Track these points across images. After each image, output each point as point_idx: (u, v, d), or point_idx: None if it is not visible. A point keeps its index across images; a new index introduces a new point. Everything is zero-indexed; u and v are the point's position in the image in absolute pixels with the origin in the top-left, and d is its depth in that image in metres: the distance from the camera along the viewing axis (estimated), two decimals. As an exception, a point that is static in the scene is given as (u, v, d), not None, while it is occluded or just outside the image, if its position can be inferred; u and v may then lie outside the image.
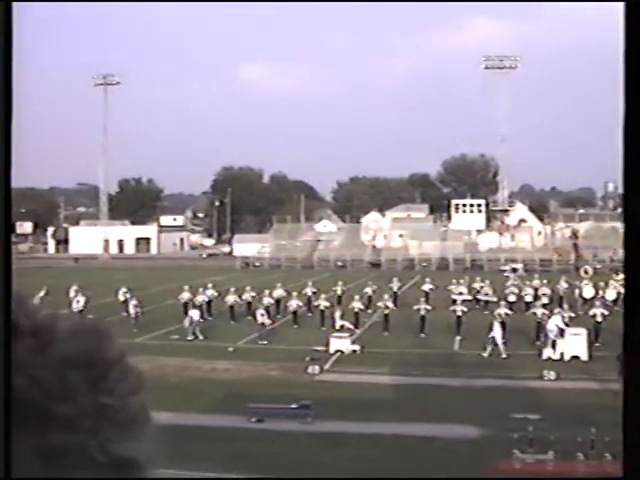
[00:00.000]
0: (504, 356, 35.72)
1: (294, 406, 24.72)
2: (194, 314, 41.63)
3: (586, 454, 19.52)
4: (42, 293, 45.40)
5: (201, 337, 40.37)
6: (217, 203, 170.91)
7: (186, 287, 47.67)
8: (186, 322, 41.34)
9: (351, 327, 39.48)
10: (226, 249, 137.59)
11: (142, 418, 1.15)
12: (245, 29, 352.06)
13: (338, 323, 39.51)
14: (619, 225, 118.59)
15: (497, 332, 36.93)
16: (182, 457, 19.33)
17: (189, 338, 40.16)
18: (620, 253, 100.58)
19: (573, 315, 40.82)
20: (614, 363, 28.29)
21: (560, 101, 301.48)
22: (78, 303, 45.63)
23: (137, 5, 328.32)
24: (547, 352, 34.93)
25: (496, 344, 36.25)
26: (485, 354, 35.95)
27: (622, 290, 45.82)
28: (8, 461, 1.14)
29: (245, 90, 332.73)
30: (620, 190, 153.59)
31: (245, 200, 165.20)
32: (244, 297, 48.00)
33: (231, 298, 47.07)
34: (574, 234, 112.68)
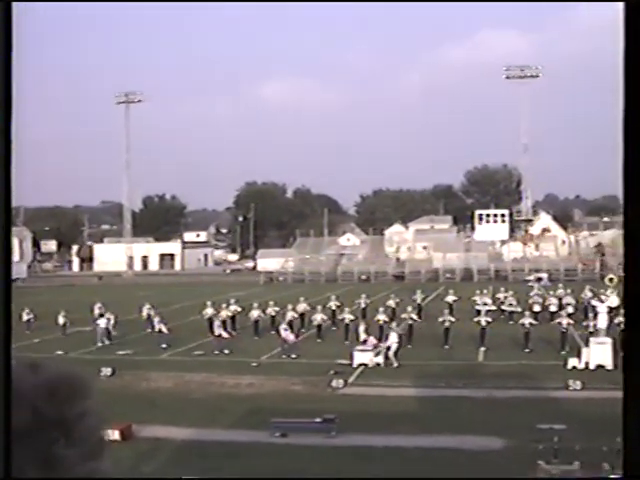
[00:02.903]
0: (395, 365, 35.81)
1: (318, 420, 24.65)
2: (101, 322, 44.94)
3: (612, 464, 19.34)
4: (61, 321, 46.20)
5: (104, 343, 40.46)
6: (240, 218, 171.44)
7: (209, 303, 47.66)
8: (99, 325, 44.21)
9: (375, 342, 39.23)
10: (250, 264, 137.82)
11: None
12: (268, 46, 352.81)
13: (362, 337, 39.36)
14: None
15: (392, 340, 37.09)
16: (207, 473, 19.33)
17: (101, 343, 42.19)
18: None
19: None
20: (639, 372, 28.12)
21: (582, 108, 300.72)
22: (102, 320, 45.78)
23: (159, 24, 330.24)
24: (572, 362, 34.71)
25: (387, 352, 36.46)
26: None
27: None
28: (8, 461, 1.13)
29: (268, 106, 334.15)
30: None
31: (268, 215, 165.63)
32: (268, 312, 47.98)
33: (255, 313, 47.04)
34: (599, 244, 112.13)
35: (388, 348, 37.31)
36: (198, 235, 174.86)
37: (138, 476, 19.37)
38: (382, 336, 41.83)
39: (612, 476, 17.98)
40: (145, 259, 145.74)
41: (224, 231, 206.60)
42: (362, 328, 40.89)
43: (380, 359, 36.55)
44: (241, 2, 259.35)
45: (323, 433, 24.09)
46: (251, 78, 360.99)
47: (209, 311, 46.78)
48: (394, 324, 40.95)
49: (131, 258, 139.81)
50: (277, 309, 48.21)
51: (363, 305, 50.43)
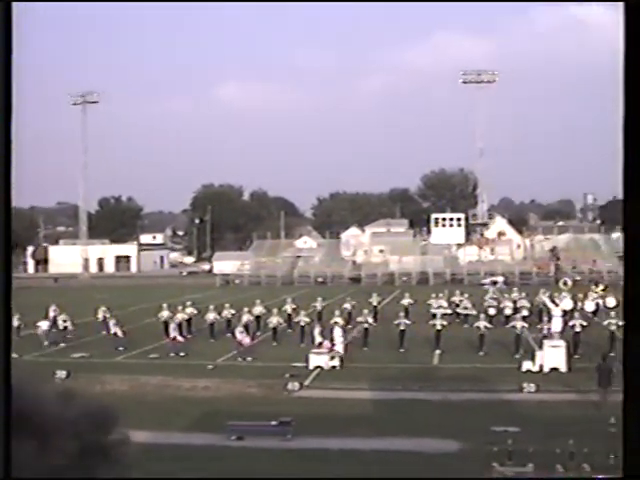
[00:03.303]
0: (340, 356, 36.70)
1: (274, 423, 24.64)
2: (43, 325, 44.93)
3: (565, 465, 19.53)
4: (15, 323, 45.77)
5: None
6: (197, 221, 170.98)
7: (165, 305, 47.46)
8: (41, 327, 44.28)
9: (330, 345, 39.19)
10: (206, 267, 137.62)
11: None
12: (226, 47, 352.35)
13: (318, 340, 39.38)
14: (598, 237, 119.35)
15: (336, 334, 38.26)
16: (163, 476, 19.28)
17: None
18: (599, 264, 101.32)
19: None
20: (593, 374, 28.45)
21: (538, 114, 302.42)
22: (43, 323, 45.64)
23: (116, 24, 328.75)
24: (527, 364, 34.96)
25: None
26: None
27: (600, 302, 46.13)
28: (8, 461, 1.16)
29: (225, 108, 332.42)
30: (599, 202, 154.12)
31: (225, 217, 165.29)
32: (224, 314, 47.85)
33: (211, 316, 46.95)
34: (554, 248, 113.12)
35: (331, 339, 37.75)
36: (154, 237, 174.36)
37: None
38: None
39: (612, 476, 18.17)
40: (101, 261, 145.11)
41: (180, 233, 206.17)
42: (318, 331, 40.88)
43: (336, 362, 36.61)
44: (201, 2, 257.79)
45: (279, 436, 24.08)
46: (209, 79, 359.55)
47: (165, 314, 46.56)
48: (339, 320, 41.56)
49: (87, 260, 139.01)
50: (233, 312, 48.06)
51: (319, 308, 50.45)
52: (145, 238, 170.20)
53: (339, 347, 37.65)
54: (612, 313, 40.30)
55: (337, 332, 38.61)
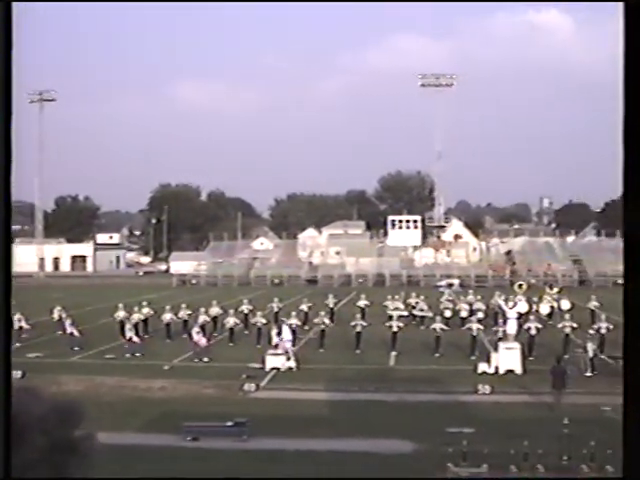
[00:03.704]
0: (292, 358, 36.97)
1: (229, 424, 24.61)
2: None
3: (519, 466, 19.72)
4: None
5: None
6: (154, 221, 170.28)
7: (121, 305, 47.23)
8: None
9: (287, 346, 39.12)
10: (163, 267, 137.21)
11: None
12: (181, 46, 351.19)
13: (274, 341, 39.36)
14: (552, 240, 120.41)
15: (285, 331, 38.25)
16: (117, 477, 19.19)
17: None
18: (554, 268, 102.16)
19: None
20: (547, 376, 28.70)
21: (496, 118, 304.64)
22: (12, 322, 45.13)
23: (71, 24, 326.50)
24: (482, 366, 35.20)
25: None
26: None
27: (555, 304, 46.50)
28: (8, 461, 1.18)
29: (184, 108, 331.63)
30: (554, 206, 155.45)
31: (182, 217, 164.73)
32: (180, 315, 47.69)
33: (167, 316, 46.78)
34: (509, 251, 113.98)
35: (278, 333, 37.83)
36: (111, 237, 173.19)
37: None
38: (295, 340, 42.01)
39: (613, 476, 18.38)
40: (57, 260, 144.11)
41: (137, 233, 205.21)
42: (274, 332, 40.88)
43: (292, 363, 36.64)
44: (154, 2, 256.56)
45: (235, 437, 24.07)
46: (166, 78, 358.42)
47: (121, 314, 46.33)
48: (293, 320, 41.83)
49: (42, 259, 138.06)
50: (189, 312, 47.91)
51: (276, 309, 50.45)
52: (102, 238, 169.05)
53: (287, 344, 37.53)
54: (566, 316, 40.67)
55: (285, 330, 38.56)
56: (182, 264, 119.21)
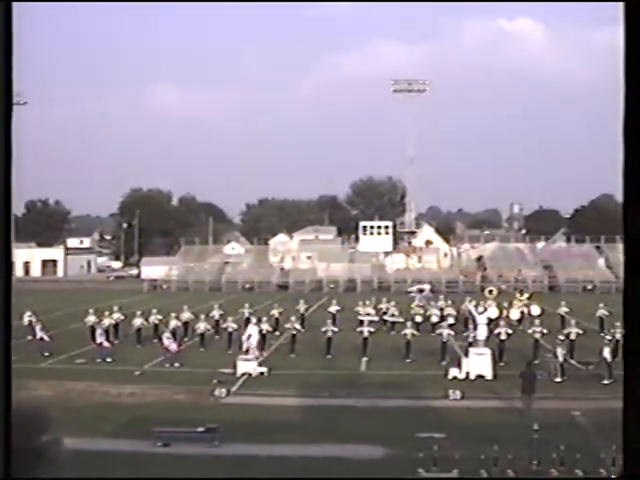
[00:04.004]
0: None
1: (200, 429, 24.57)
2: None
3: (489, 471, 19.80)
4: None
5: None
6: (125, 225, 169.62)
7: (92, 310, 47.00)
8: None
9: (258, 352, 39.02)
10: (134, 272, 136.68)
11: None
12: (154, 49, 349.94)
13: (245, 346, 39.31)
14: (523, 246, 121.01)
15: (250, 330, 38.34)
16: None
17: None
18: (524, 273, 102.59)
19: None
20: (517, 381, 28.82)
21: (467, 124, 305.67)
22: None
23: (43, 25, 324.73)
24: (453, 372, 35.30)
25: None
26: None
27: (525, 310, 46.72)
28: (8, 461, 1.19)
29: (154, 112, 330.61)
30: (524, 212, 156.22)
31: (153, 222, 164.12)
32: (151, 320, 47.58)
33: (138, 321, 46.59)
34: (480, 257, 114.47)
35: (249, 337, 37.79)
36: (82, 241, 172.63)
37: None
38: (265, 346, 42.10)
39: (613, 476, 18.48)
40: (27, 265, 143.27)
41: (108, 237, 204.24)
42: (245, 337, 40.84)
43: (264, 368, 36.62)
44: (131, 2, 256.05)
45: (206, 442, 24.01)
46: (139, 82, 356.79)
47: (91, 319, 46.09)
48: (265, 326, 41.96)
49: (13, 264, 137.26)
50: (160, 317, 47.79)
51: (247, 314, 50.40)
52: (72, 242, 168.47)
53: (251, 342, 37.40)
54: (536, 321, 40.86)
55: (252, 330, 38.43)
56: (153, 269, 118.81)
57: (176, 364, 38.83)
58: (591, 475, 19.79)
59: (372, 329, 43.31)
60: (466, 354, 36.47)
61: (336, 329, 43.28)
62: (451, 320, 47.05)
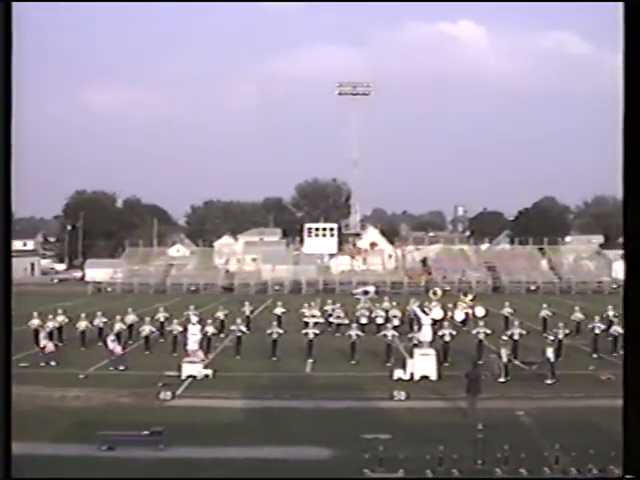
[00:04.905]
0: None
1: (146, 433, 24.45)
2: None
3: (434, 471, 19.94)
4: None
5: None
6: (69, 227, 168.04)
7: (35, 313, 46.57)
8: None
9: (203, 354, 38.80)
10: (78, 274, 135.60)
11: None
12: (97, 50, 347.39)
13: (189, 348, 39.16)
14: (467, 248, 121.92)
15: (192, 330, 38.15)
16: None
17: None
18: (468, 275, 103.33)
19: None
20: (462, 382, 29.02)
21: (411, 126, 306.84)
22: None
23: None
24: (398, 373, 35.46)
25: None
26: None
27: (469, 311, 47.02)
28: (8, 461, 1.19)
29: (97, 113, 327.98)
30: (468, 214, 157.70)
31: (98, 224, 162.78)
32: (95, 323, 47.26)
33: (82, 324, 46.24)
34: (425, 259, 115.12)
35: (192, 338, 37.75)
36: (25, 244, 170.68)
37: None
38: (210, 348, 42.02)
39: (613, 476, 18.61)
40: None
41: (52, 240, 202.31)
42: (189, 339, 40.71)
43: (209, 371, 36.53)
44: (70, 2, 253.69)
45: (151, 446, 23.90)
46: (82, 82, 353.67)
47: (35, 322, 45.66)
48: (194, 318, 41.98)
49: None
50: (105, 320, 47.52)
51: (192, 317, 50.26)
52: (16, 244, 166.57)
53: (193, 346, 37.23)
54: (480, 322, 41.15)
55: (192, 329, 38.27)
56: (98, 271, 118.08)
57: (121, 367, 38.58)
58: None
59: (317, 331, 43.43)
60: (411, 355, 36.61)
61: (281, 331, 43.32)
62: (396, 321, 47.38)
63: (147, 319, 46.46)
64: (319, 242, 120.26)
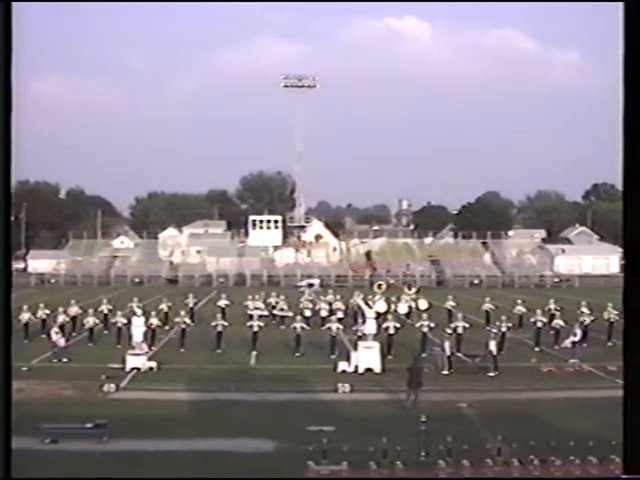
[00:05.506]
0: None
1: (89, 426, 24.32)
2: None
3: (378, 463, 20.07)
4: None
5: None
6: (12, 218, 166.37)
7: (-24, 305, 46.04)
8: None
9: (147, 347, 38.64)
10: (20, 265, 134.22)
11: None
12: (42, 40, 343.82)
13: (134, 341, 39.03)
14: (411, 241, 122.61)
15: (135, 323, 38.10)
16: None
17: None
18: (412, 268, 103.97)
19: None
20: (404, 374, 29.20)
21: (356, 120, 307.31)
22: None
23: None
24: (342, 365, 35.62)
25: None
26: None
27: (413, 304, 47.33)
28: (8, 461, 1.22)
29: (41, 103, 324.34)
30: (413, 207, 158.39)
31: (41, 215, 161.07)
32: (38, 315, 46.88)
33: (25, 316, 45.83)
34: (369, 252, 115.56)
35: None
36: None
37: None
38: (154, 340, 41.89)
39: (613, 476, 18.76)
40: None
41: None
42: (133, 331, 40.56)
43: (153, 363, 36.42)
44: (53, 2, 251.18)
45: (95, 439, 23.77)
46: (24, 72, 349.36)
47: (-25, 314, 45.22)
48: (137, 310, 41.67)
49: None
50: (48, 312, 47.16)
51: (136, 309, 50.07)
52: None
53: (138, 338, 37.08)
54: (424, 315, 41.42)
55: (136, 321, 38.12)
56: (40, 262, 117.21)
57: (64, 359, 38.31)
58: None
59: (261, 323, 43.45)
60: (355, 348, 36.77)
61: (226, 323, 43.29)
62: (340, 314, 47.62)
63: (91, 311, 46.21)
64: (264, 234, 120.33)
